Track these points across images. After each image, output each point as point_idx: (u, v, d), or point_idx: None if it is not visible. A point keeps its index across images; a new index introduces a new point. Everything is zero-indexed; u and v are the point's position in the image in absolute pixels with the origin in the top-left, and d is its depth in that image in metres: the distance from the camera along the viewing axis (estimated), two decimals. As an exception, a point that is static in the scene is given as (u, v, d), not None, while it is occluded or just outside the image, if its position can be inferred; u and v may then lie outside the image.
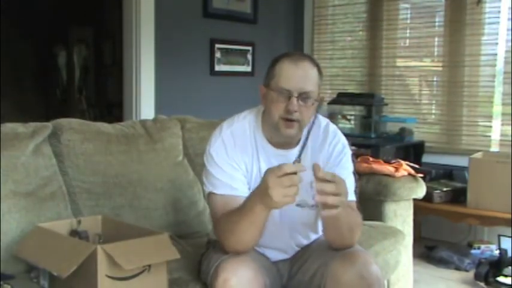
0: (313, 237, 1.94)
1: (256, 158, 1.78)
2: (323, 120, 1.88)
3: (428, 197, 3.27)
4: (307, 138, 1.75)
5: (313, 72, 1.73)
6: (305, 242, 1.92)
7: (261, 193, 1.51)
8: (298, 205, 1.78)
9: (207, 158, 1.80)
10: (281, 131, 1.71)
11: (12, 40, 5.74)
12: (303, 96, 1.68)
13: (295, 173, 1.46)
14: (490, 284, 3.17)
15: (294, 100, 1.67)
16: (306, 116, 1.71)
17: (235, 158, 1.75)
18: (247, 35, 4.38)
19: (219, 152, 1.76)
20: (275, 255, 1.90)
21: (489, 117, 3.94)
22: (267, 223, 1.77)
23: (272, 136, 1.77)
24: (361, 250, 1.78)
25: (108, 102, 5.44)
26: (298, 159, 1.51)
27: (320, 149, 1.82)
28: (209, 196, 1.80)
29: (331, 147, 1.82)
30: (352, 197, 1.81)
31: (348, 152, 1.87)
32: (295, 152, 1.78)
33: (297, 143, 1.80)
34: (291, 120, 1.69)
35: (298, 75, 1.69)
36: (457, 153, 3.99)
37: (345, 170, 1.82)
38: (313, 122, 1.81)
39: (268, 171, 1.48)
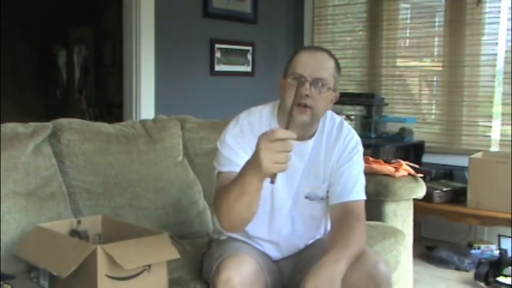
0: (318, 236, 1.95)
1: None
2: (337, 117, 1.91)
3: (428, 197, 3.26)
4: (323, 130, 1.82)
5: (329, 62, 1.76)
6: (310, 240, 1.93)
7: (253, 160, 1.45)
8: (307, 197, 1.82)
9: (221, 143, 1.80)
10: (294, 117, 1.66)
11: (13, 40, 5.74)
12: (317, 82, 1.71)
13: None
14: (490, 284, 3.17)
15: (307, 84, 1.70)
16: (319, 104, 1.73)
17: (250, 145, 1.71)
18: (247, 35, 4.38)
19: (235, 136, 1.78)
20: (278, 253, 1.91)
21: (489, 117, 3.94)
22: (275, 216, 1.82)
23: (286, 128, 1.75)
24: (369, 249, 1.79)
25: (108, 102, 5.44)
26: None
27: (334, 143, 1.84)
28: (217, 176, 1.80)
29: (345, 142, 1.85)
30: (361, 195, 1.83)
31: (361, 149, 1.89)
32: (309, 144, 1.81)
33: (311, 136, 1.82)
34: (304, 106, 1.71)
35: (313, 63, 1.73)
36: (457, 153, 3.99)
37: (357, 166, 1.85)
38: (328, 116, 1.86)
39: (261, 135, 1.43)
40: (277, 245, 1.89)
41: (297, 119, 1.70)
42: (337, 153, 1.83)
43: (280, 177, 1.54)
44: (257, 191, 1.53)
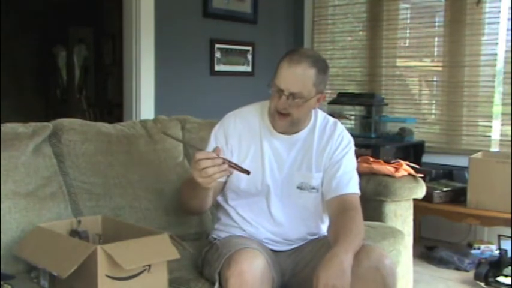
0: (321, 225, 2.01)
1: (259, 140, 1.95)
2: (331, 118, 2.04)
3: (428, 197, 3.26)
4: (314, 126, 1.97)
5: (308, 73, 1.82)
6: (315, 230, 1.99)
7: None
8: (298, 187, 1.94)
9: (214, 131, 2.02)
10: (275, 122, 1.91)
11: (12, 40, 5.74)
12: (294, 96, 1.82)
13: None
14: (490, 284, 3.17)
15: (283, 98, 1.83)
16: (297, 112, 1.86)
17: (234, 136, 1.96)
18: (247, 35, 4.38)
19: (224, 123, 2.00)
20: (274, 244, 1.94)
21: (489, 117, 3.94)
22: (269, 207, 1.92)
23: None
24: (374, 245, 1.85)
25: (108, 102, 5.44)
26: (216, 148, 1.75)
27: (328, 140, 1.97)
28: None
29: (338, 139, 1.98)
30: (357, 190, 1.93)
31: (353, 147, 2.01)
32: (298, 137, 1.95)
33: (299, 130, 1.95)
34: (283, 114, 1.86)
35: (291, 77, 1.82)
36: (457, 153, 3.99)
37: (351, 162, 1.97)
38: (319, 113, 2.00)
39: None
40: (272, 236, 1.94)
41: (277, 124, 1.90)
42: (330, 149, 1.95)
43: (270, 169, 1.90)
44: (204, 192, 1.82)
